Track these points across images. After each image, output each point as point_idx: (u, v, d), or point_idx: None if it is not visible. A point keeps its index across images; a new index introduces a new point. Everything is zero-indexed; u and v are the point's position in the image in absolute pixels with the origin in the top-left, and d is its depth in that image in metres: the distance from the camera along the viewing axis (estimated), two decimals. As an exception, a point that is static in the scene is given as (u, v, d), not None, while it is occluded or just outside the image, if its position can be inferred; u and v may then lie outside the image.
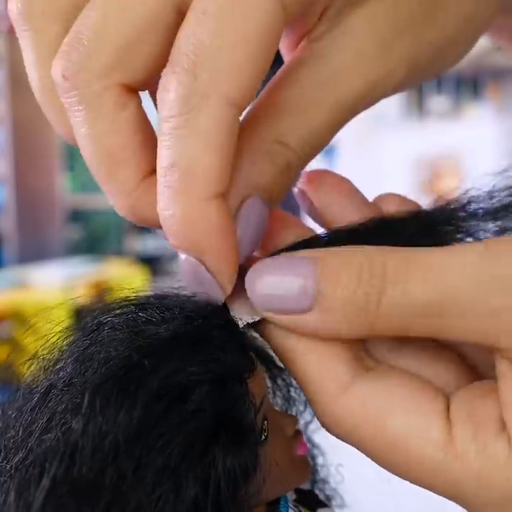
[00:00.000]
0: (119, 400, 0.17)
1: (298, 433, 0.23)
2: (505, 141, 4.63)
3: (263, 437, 0.21)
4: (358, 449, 0.21)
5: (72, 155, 5.44)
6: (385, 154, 6.20)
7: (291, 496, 0.24)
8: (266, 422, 0.21)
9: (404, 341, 0.22)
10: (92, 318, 0.22)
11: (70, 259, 4.28)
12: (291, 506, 0.23)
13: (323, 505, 0.25)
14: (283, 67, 0.23)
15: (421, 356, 0.22)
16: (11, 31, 0.21)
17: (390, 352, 0.22)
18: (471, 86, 6.89)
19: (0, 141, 4.50)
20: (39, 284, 3.18)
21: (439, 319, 0.18)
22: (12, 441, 0.19)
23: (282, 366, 0.27)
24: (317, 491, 0.26)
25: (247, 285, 0.20)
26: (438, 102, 6.66)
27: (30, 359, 0.22)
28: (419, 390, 0.20)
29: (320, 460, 0.27)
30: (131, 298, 0.23)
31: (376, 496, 0.22)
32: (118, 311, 0.21)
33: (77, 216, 5.59)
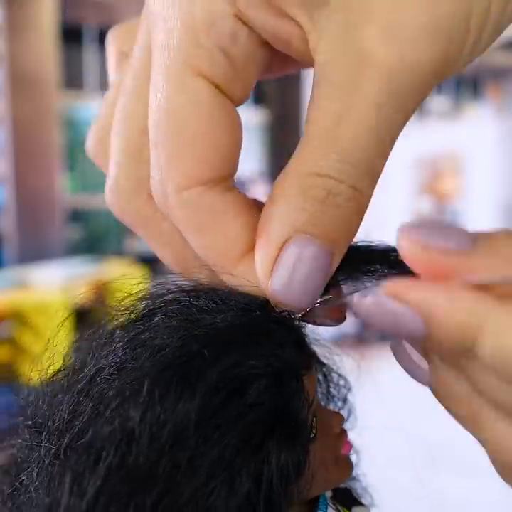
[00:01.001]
0: (178, 389, 0.17)
1: (343, 431, 0.23)
2: (505, 141, 4.63)
3: (312, 434, 0.20)
4: None
5: (72, 155, 5.43)
6: (385, 154, 6.18)
7: (327, 493, 0.24)
8: (315, 418, 0.21)
9: None
10: (143, 304, 0.21)
11: (70, 259, 4.28)
12: (330, 504, 0.23)
13: (359, 503, 0.25)
14: None
15: None
16: None
17: None
18: (471, 86, 6.89)
19: (0, 141, 4.50)
20: (39, 284, 3.18)
21: None
22: (57, 423, 0.19)
23: (324, 361, 0.27)
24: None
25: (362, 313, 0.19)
26: (438, 102, 6.66)
27: (76, 341, 0.21)
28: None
29: (353, 458, 0.27)
30: (184, 285, 0.22)
31: (406, 497, 0.22)
32: (170, 298, 0.21)
33: (77, 216, 5.59)
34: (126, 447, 0.16)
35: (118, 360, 0.19)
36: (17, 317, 2.68)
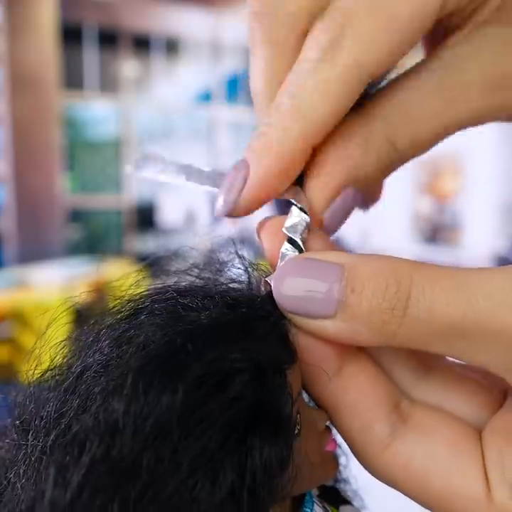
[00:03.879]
0: (161, 382, 0.17)
1: (328, 429, 0.23)
2: (505, 141, 4.63)
3: (296, 430, 0.20)
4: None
5: (72, 155, 5.44)
6: (385, 154, 6.19)
7: (314, 491, 0.24)
8: (299, 415, 0.21)
9: (428, 370, 0.22)
10: (128, 303, 0.21)
11: (70, 259, 4.28)
12: (316, 501, 0.23)
13: (346, 502, 0.25)
14: (410, 68, 0.24)
15: (447, 384, 0.22)
16: None
17: (417, 380, 0.22)
18: (471, 86, 6.91)
19: (0, 141, 4.50)
20: (39, 284, 3.19)
21: (462, 342, 0.18)
22: (44, 421, 0.19)
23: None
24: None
25: (273, 284, 0.20)
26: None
27: (63, 341, 0.22)
28: (455, 444, 0.20)
29: (343, 460, 0.27)
30: (171, 283, 0.22)
31: (397, 498, 0.22)
32: (156, 297, 0.21)
33: (77, 216, 5.60)
34: (110, 439, 0.16)
35: (104, 357, 0.19)
36: (17, 317, 2.68)
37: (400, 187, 5.24)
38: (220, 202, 0.22)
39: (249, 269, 0.23)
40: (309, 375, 0.21)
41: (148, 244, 5.70)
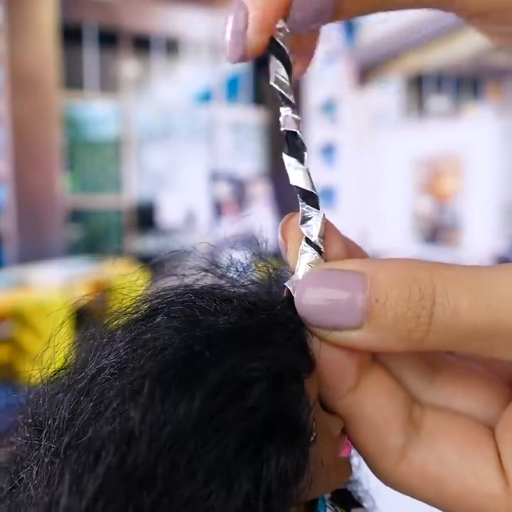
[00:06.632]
0: (179, 390, 0.17)
1: (342, 434, 0.23)
2: (505, 141, 4.63)
3: (312, 438, 0.20)
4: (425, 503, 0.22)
5: (72, 155, 5.44)
6: (384, 154, 6.20)
7: (326, 494, 0.24)
8: (314, 422, 0.20)
9: (435, 371, 0.22)
10: (144, 303, 0.21)
11: (70, 259, 4.28)
12: (328, 505, 0.23)
13: (358, 505, 0.25)
14: None
15: (454, 383, 0.22)
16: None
17: (425, 382, 0.22)
18: (471, 86, 6.89)
19: (0, 141, 4.50)
20: (39, 284, 3.19)
21: (486, 340, 0.18)
22: (57, 422, 0.19)
23: None
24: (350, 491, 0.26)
25: (295, 296, 0.20)
26: (438, 102, 6.66)
27: (74, 341, 0.21)
28: (467, 444, 0.20)
29: (355, 461, 0.27)
30: (188, 284, 0.22)
31: (409, 499, 0.22)
32: (173, 298, 0.21)
33: (77, 216, 5.59)
34: (126, 447, 0.16)
35: (119, 360, 0.19)
36: (17, 317, 2.68)
37: (400, 187, 5.23)
38: (231, 43, 0.22)
39: (269, 271, 0.23)
40: (324, 387, 0.21)
41: (148, 244, 5.70)
